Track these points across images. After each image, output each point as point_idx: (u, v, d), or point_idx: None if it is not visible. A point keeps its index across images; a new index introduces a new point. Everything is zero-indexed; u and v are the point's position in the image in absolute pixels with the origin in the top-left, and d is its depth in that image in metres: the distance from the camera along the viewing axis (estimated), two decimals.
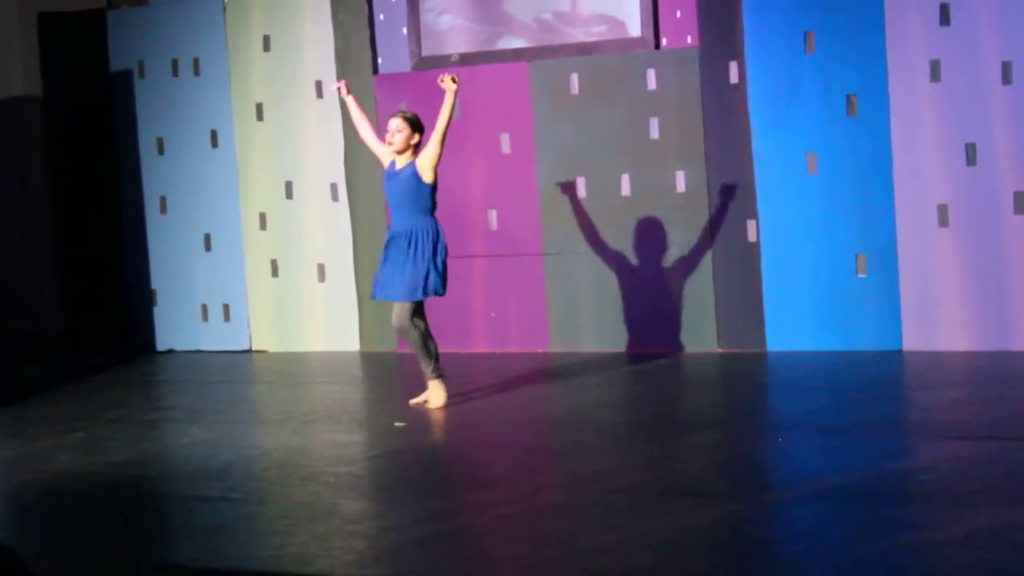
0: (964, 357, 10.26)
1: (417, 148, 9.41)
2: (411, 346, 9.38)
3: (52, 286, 13.53)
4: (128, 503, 7.38)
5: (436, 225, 9.35)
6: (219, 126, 12.74)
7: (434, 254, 9.27)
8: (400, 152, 9.41)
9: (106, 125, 13.11)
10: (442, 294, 9.40)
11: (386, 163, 9.53)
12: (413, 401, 9.52)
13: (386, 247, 9.46)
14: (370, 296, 9.74)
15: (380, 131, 9.79)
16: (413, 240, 9.28)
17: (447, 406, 9.32)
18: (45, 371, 12.02)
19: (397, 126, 9.39)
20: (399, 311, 9.29)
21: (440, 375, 9.40)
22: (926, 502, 6.39)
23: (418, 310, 9.33)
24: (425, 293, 9.25)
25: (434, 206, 9.38)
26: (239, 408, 10.24)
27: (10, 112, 13.43)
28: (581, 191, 11.42)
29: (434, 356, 9.35)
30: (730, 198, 11.05)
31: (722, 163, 11.04)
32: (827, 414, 8.58)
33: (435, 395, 9.40)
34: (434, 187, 9.35)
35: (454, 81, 9.27)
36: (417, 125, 9.43)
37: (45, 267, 13.54)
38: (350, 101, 9.82)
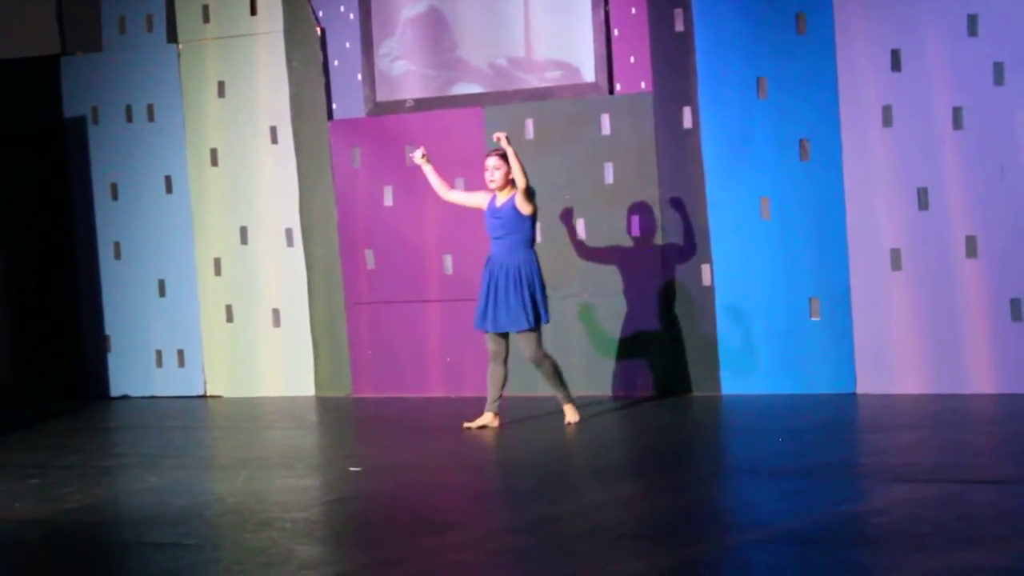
0: (917, 400, 10.31)
1: (514, 182, 9.81)
2: (544, 376, 9.96)
3: (5, 332, 13.43)
4: (82, 550, 7.32)
5: (535, 256, 9.84)
6: (173, 172, 12.72)
7: (541, 283, 9.80)
8: (500, 189, 9.84)
9: (60, 171, 13.07)
10: (548, 322, 9.95)
11: (484, 204, 10.00)
12: (467, 425, 10.02)
13: (488, 278, 9.85)
14: (482, 329, 9.98)
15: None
16: (517, 271, 9.77)
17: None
18: None
19: (495, 164, 9.89)
20: (528, 344, 9.84)
21: (571, 399, 10.09)
22: (881, 545, 6.40)
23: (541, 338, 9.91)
24: (538, 320, 9.79)
25: (534, 238, 9.87)
26: (194, 454, 10.18)
27: None
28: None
29: (564, 381, 9.99)
30: (684, 242, 11.09)
31: (676, 208, 11.09)
32: (782, 457, 8.60)
33: (571, 414, 10.03)
34: (534, 218, 9.84)
35: (498, 140, 9.75)
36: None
37: None
38: (428, 168, 10.19)
